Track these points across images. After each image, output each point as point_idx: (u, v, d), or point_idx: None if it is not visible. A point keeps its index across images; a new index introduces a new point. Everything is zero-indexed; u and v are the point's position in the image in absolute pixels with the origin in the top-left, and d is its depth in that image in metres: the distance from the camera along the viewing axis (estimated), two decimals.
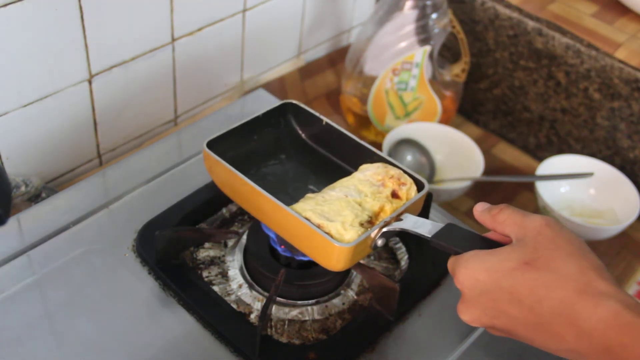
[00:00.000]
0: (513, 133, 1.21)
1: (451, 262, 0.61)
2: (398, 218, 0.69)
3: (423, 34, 1.07)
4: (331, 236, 0.66)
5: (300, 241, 0.69)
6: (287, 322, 0.74)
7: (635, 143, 1.07)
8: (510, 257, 0.56)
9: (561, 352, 0.55)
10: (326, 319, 0.75)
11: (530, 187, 1.09)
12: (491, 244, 0.62)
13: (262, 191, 0.70)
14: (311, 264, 0.77)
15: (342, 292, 0.78)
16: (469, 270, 0.58)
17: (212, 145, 0.76)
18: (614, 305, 0.52)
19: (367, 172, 0.74)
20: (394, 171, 0.74)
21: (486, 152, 1.10)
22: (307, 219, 0.67)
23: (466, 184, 1.03)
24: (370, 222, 0.69)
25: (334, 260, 0.66)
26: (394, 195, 0.72)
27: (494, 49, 1.17)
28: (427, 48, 1.07)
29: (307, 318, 0.75)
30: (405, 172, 0.75)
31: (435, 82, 1.11)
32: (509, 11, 1.13)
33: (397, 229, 0.68)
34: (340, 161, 0.83)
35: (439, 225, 0.66)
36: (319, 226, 0.66)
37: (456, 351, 0.73)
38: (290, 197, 0.76)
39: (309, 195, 0.73)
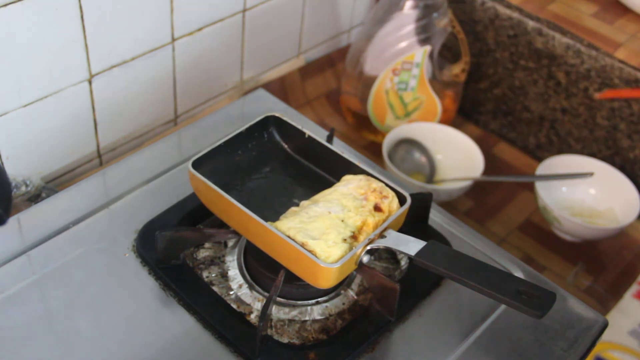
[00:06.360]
0: (513, 133, 1.21)
1: None
2: (382, 235, 0.71)
3: (423, 34, 1.06)
4: (316, 255, 0.67)
5: (288, 260, 0.71)
6: (287, 322, 0.74)
7: (635, 143, 1.07)
8: None
9: None
10: (326, 319, 0.75)
11: (530, 187, 1.09)
12: (474, 262, 0.66)
13: (248, 211, 0.71)
14: None
15: (342, 292, 0.78)
16: None
17: (198, 164, 0.77)
18: None
19: (350, 186, 0.76)
20: (376, 184, 0.76)
21: (486, 152, 1.10)
22: (291, 237, 0.69)
23: (466, 184, 1.03)
24: (354, 237, 0.71)
25: (321, 279, 0.68)
26: (377, 208, 0.74)
27: (494, 49, 1.17)
28: (427, 48, 1.07)
29: (307, 318, 0.75)
30: (387, 185, 0.76)
31: (435, 82, 1.11)
32: (509, 11, 1.13)
33: (380, 247, 0.70)
34: (324, 173, 0.84)
35: (422, 243, 0.69)
36: (302, 244, 0.68)
37: (456, 351, 0.73)
38: (276, 212, 0.78)
39: (293, 208, 0.74)
